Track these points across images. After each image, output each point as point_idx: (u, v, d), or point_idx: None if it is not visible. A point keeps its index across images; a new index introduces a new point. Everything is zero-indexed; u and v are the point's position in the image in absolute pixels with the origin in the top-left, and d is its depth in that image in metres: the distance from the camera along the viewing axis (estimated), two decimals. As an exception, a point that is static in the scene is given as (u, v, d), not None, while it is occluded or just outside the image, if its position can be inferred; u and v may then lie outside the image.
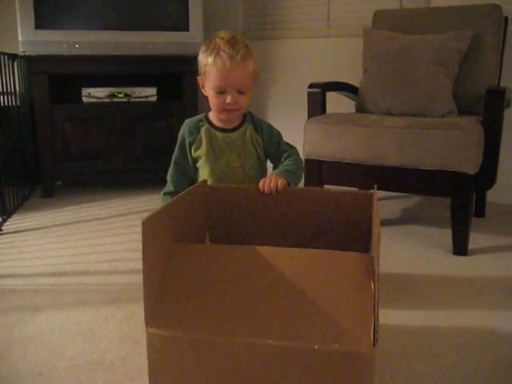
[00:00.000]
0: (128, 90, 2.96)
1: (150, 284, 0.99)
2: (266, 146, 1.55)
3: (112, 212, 2.57)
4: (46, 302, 1.54)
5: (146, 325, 0.96)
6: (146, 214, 0.95)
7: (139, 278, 0.96)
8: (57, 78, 2.88)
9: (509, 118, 2.23)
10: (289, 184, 1.37)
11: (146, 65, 2.93)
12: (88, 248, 2.04)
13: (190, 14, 2.89)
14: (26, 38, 2.69)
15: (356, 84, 2.53)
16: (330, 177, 2.16)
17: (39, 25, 2.70)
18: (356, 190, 1.12)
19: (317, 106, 2.24)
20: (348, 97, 2.62)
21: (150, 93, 2.99)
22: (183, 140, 1.54)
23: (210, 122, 1.53)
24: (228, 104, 1.42)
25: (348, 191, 1.34)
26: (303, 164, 1.59)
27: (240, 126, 1.53)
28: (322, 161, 2.13)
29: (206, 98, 1.51)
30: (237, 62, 1.37)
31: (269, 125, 1.58)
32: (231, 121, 1.51)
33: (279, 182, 1.33)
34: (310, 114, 2.25)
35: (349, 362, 0.89)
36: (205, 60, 1.41)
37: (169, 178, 1.58)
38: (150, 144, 2.98)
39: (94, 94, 2.93)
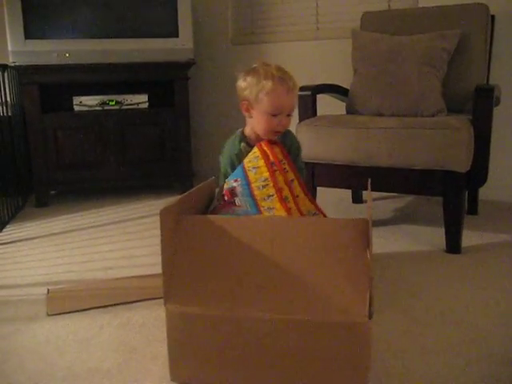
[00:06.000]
0: (119, 98, 2.97)
1: (167, 265, 1.10)
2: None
3: (106, 219, 2.57)
4: (41, 312, 1.53)
5: (165, 303, 1.09)
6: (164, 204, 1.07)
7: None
8: (48, 88, 2.88)
9: (498, 115, 2.25)
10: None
11: (136, 72, 2.94)
12: (83, 256, 2.04)
13: (179, 21, 2.90)
14: (16, 49, 2.70)
15: (346, 86, 2.54)
16: (322, 179, 2.17)
17: (29, 35, 2.71)
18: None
19: (307, 108, 2.25)
20: (338, 99, 2.63)
21: (141, 100, 3.00)
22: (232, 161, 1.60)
23: (246, 140, 1.61)
24: (280, 126, 1.52)
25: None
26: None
27: None
28: (314, 163, 2.14)
29: (239, 116, 1.62)
30: (291, 88, 1.49)
31: (294, 136, 1.70)
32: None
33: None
34: (301, 117, 2.26)
35: (345, 332, 0.98)
36: (259, 86, 1.49)
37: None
38: (142, 151, 2.99)
39: (86, 102, 2.93)
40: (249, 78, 1.52)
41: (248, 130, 1.62)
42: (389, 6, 2.90)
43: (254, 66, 1.55)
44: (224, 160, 1.63)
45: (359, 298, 0.98)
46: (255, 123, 1.56)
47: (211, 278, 1.10)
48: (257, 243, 1.11)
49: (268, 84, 1.48)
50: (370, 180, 1.41)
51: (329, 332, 0.99)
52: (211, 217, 1.22)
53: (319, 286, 1.03)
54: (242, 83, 1.55)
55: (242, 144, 1.61)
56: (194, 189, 1.31)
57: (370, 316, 0.96)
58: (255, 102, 1.52)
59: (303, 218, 1.19)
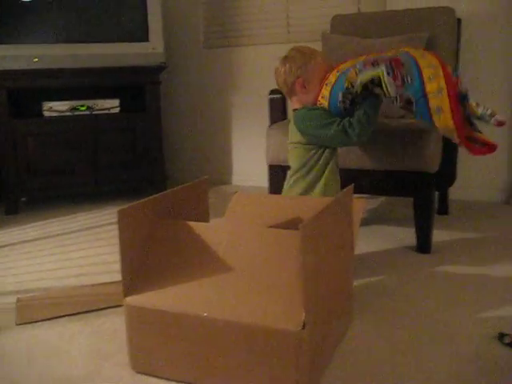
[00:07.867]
0: (90, 103, 2.93)
1: (127, 262, 1.18)
2: None
3: (78, 226, 2.54)
4: (11, 321, 1.51)
5: (124, 296, 1.17)
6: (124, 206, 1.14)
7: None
8: (17, 93, 2.84)
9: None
10: None
11: (107, 77, 2.92)
12: (55, 264, 2.02)
13: (149, 25, 2.89)
14: (-17, 54, 2.66)
15: (317, 88, 2.55)
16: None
17: (-4, 40, 2.67)
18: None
19: (278, 111, 2.26)
20: (310, 101, 2.64)
21: (112, 105, 2.97)
22: None
23: None
24: None
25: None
26: None
27: None
28: (285, 166, 2.14)
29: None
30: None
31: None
32: None
33: None
34: (272, 120, 2.27)
35: (280, 339, 1.03)
36: (311, 60, 1.75)
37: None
38: (114, 156, 2.96)
39: (56, 107, 2.89)
40: (298, 56, 1.75)
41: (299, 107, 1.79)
42: (358, 9, 2.93)
43: (290, 51, 1.81)
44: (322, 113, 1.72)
45: (295, 307, 1.03)
46: (313, 94, 1.74)
47: (166, 276, 1.19)
48: (210, 248, 1.20)
49: (318, 57, 1.76)
50: (353, 185, 1.43)
51: (264, 337, 1.04)
52: (177, 222, 1.28)
53: (261, 292, 1.10)
54: (292, 64, 1.75)
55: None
56: (168, 191, 1.40)
57: (304, 325, 1.00)
58: (311, 74, 1.73)
59: (256, 226, 1.27)
